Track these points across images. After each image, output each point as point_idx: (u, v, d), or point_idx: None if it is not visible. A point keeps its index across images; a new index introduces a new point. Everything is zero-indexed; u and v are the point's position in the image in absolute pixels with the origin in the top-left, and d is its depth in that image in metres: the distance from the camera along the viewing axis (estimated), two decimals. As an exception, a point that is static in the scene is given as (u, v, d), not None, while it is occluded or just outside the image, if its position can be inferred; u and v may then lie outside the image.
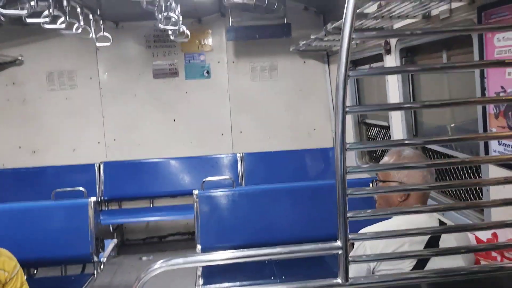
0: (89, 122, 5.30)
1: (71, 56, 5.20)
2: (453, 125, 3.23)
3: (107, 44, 4.07)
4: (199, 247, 3.39)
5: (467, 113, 2.90)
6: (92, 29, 3.77)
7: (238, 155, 5.37)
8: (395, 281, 1.34)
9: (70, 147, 5.29)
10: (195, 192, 3.51)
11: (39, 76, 5.21)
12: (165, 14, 3.22)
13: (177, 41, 4.75)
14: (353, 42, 1.21)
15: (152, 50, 5.32)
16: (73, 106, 5.27)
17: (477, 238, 2.12)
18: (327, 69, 5.43)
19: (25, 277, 2.29)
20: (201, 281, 3.19)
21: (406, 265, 1.71)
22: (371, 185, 2.00)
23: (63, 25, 3.15)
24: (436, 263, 1.63)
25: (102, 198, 5.14)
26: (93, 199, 3.45)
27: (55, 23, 3.12)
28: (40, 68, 5.19)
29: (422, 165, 1.53)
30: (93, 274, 3.44)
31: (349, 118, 4.87)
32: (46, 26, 3.03)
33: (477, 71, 2.41)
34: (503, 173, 2.17)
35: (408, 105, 1.58)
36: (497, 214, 2.24)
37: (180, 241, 5.44)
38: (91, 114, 5.30)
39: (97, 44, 4.05)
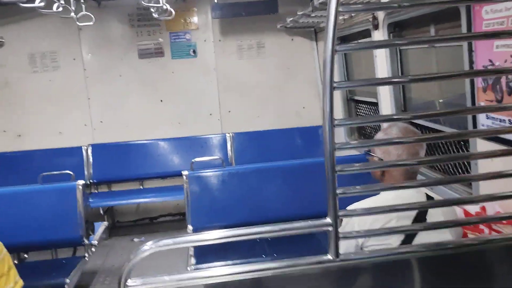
0: (74, 104, 5.21)
1: (53, 36, 5.07)
2: (441, 100, 3.23)
3: (90, 23, 3.95)
4: (190, 227, 3.39)
5: (455, 88, 2.90)
6: (73, 8, 3.65)
7: (227, 135, 5.34)
8: (385, 256, 1.35)
9: (56, 130, 5.21)
10: (185, 173, 3.49)
11: (20, 57, 5.08)
12: (148, -9, 3.13)
13: (161, 19, 4.64)
14: (340, 18, 1.18)
15: (136, 29, 5.21)
16: (57, 88, 5.17)
17: (465, 212, 2.15)
18: (315, 46, 5.37)
19: (14, 262, 2.27)
20: (193, 260, 3.21)
21: (394, 240, 1.72)
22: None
23: (42, 4, 3.05)
24: (423, 238, 1.65)
25: (91, 181, 5.09)
26: (81, 182, 3.41)
27: (33, 1, 3.01)
28: (21, 50, 5.06)
29: (408, 140, 1.53)
30: (84, 256, 3.43)
31: (337, 95, 4.85)
32: (23, 5, 2.93)
33: (465, 45, 2.39)
34: (491, 146, 2.19)
35: (396, 80, 1.57)
36: (485, 187, 2.26)
37: (172, 221, 5.45)
38: (76, 96, 5.21)
39: (79, 23, 3.94)
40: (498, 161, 1.84)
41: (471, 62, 2.36)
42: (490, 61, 2.21)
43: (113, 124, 5.28)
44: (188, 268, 3.15)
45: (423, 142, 1.83)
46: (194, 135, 5.32)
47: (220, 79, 5.36)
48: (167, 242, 1.33)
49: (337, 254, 1.30)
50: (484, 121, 2.32)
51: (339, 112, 4.97)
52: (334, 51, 1.19)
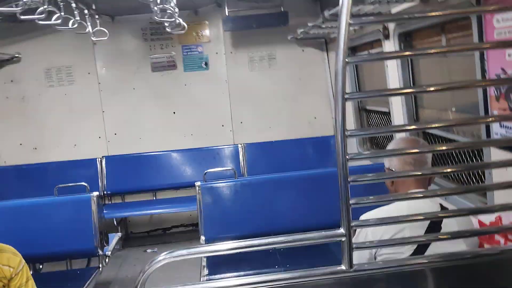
0: (89, 117, 5.29)
1: (69, 51, 5.18)
2: (453, 109, 3.21)
3: (104, 38, 4.03)
4: (203, 238, 3.40)
5: (468, 97, 2.88)
6: (88, 23, 3.74)
7: (239, 146, 5.36)
8: (398, 266, 1.35)
9: (71, 142, 5.29)
10: (197, 183, 3.51)
11: (37, 72, 5.19)
12: (161, 6, 3.19)
13: (174, 33, 4.72)
14: (351, 28, 1.20)
15: (149, 43, 5.29)
16: (72, 101, 5.26)
17: (480, 222, 2.12)
18: (326, 57, 5.39)
19: (30, 272, 2.30)
20: (206, 271, 3.21)
21: (407, 249, 1.71)
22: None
23: (59, 21, 3.13)
24: (437, 247, 1.63)
25: (105, 192, 5.15)
26: (95, 193, 3.45)
27: (50, 19, 3.09)
28: (38, 65, 5.17)
29: (422, 150, 1.53)
30: (99, 267, 3.46)
31: (349, 105, 4.85)
32: (41, 22, 3.01)
33: (477, 54, 2.38)
34: (505, 155, 2.17)
35: (408, 90, 1.57)
36: (501, 197, 2.23)
37: (184, 232, 5.47)
38: (91, 109, 5.29)
39: (94, 39, 4.02)
40: (512, 170, 1.82)
41: (483, 70, 2.35)
42: (503, 69, 2.20)
43: (126, 136, 5.34)
44: (201, 279, 3.15)
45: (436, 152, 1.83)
46: (206, 146, 5.36)
47: (232, 91, 5.40)
48: (181, 253, 1.34)
49: (351, 265, 1.30)
50: (497, 130, 2.30)
51: (350, 122, 4.97)
52: (345, 63, 1.20)
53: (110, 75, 5.30)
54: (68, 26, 3.41)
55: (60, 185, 3.74)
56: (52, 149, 5.25)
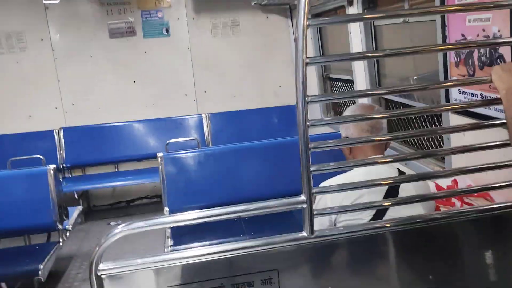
0: (44, 87, 5.05)
1: (19, 16, 4.87)
2: (415, 77, 3.25)
3: (56, 1, 3.80)
4: (166, 209, 3.36)
5: (428, 66, 2.91)
6: (38, -15, 3.50)
7: (203, 115, 5.28)
8: (358, 231, 1.36)
9: (26, 114, 5.05)
10: (159, 154, 3.44)
11: (-15, 39, 4.87)
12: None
13: (132, -3, 4.51)
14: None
15: (106, 7, 5.03)
16: (25, 70, 4.99)
17: (437, 186, 2.18)
18: (290, 24, 5.32)
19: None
20: (170, 242, 3.19)
21: (366, 215, 1.73)
22: None
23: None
24: (396, 212, 1.66)
25: (64, 165, 4.98)
26: (52, 166, 3.32)
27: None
28: (-15, 31, 4.85)
29: (382, 116, 1.53)
30: (59, 242, 3.37)
31: (313, 73, 4.84)
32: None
33: (438, 21, 2.40)
34: (463, 121, 2.21)
35: (370, 54, 1.55)
36: (458, 162, 2.30)
37: (149, 204, 5.40)
38: (46, 78, 5.04)
39: (45, 2, 3.77)
40: (470, 135, 1.86)
41: (444, 37, 2.36)
42: (463, 35, 2.22)
43: (85, 107, 5.15)
44: (165, 250, 3.13)
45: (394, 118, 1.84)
46: (169, 117, 5.24)
47: (195, 59, 5.26)
48: (139, 225, 1.30)
49: (312, 231, 1.30)
50: (456, 96, 2.35)
51: (315, 90, 4.97)
52: (306, 26, 1.16)
53: (64, 42, 5.03)
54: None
55: (14, 158, 3.57)
56: (5, 121, 4.99)
